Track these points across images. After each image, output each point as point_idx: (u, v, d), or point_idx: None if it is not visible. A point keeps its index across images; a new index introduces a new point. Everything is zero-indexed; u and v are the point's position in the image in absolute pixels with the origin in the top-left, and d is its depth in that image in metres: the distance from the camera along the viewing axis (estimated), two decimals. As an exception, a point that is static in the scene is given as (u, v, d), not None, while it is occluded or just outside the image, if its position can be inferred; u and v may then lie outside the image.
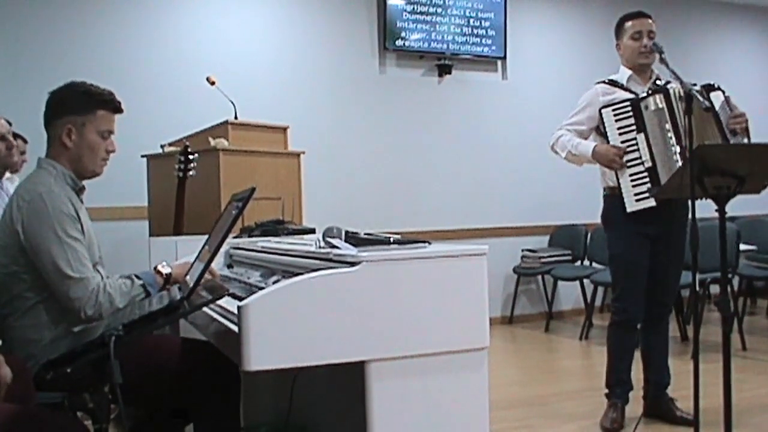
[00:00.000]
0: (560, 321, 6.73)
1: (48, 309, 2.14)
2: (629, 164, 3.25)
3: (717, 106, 3.19)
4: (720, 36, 7.94)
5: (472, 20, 6.54)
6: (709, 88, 3.23)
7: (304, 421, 2.48)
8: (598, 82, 3.47)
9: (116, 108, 2.31)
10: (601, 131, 3.37)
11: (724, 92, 3.25)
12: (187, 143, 3.62)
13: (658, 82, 3.40)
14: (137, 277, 2.24)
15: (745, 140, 3.21)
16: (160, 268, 2.32)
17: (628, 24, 3.41)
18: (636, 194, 3.24)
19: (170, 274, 2.31)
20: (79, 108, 2.25)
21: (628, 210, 3.25)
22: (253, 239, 3.05)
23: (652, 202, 3.22)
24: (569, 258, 6.51)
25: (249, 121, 4.19)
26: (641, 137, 3.24)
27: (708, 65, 7.44)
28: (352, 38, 6.18)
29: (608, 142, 3.30)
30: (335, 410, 2.32)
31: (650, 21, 3.40)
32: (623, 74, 3.43)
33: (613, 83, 3.43)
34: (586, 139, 3.44)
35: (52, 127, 2.27)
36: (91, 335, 1.79)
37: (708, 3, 7.89)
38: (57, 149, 2.27)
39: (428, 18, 6.36)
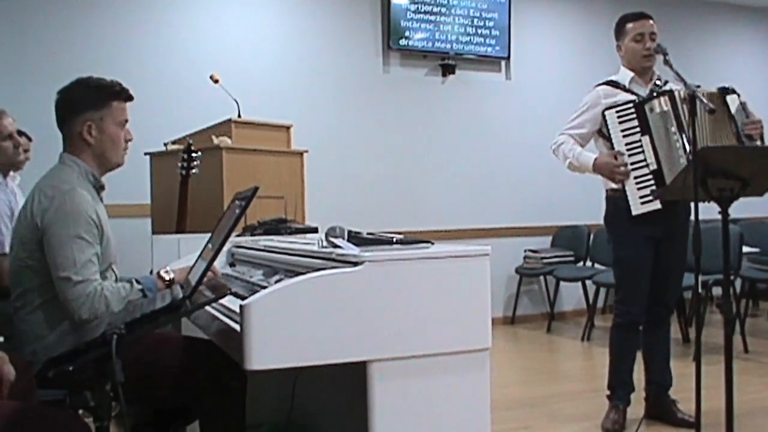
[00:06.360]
0: (562, 322, 6.72)
1: (58, 306, 2.14)
2: (634, 167, 3.23)
3: (732, 110, 3.17)
4: (723, 37, 7.92)
5: (476, 20, 6.54)
6: (724, 92, 3.20)
7: (306, 421, 2.48)
8: (599, 84, 3.45)
9: (128, 96, 2.33)
10: (603, 134, 3.35)
11: (739, 96, 3.21)
12: (191, 141, 3.62)
13: (658, 82, 3.39)
14: (137, 281, 2.25)
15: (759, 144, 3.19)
16: (162, 273, 2.32)
17: (630, 26, 3.38)
18: (641, 197, 3.21)
19: (173, 279, 2.31)
20: (94, 103, 2.25)
21: (634, 213, 3.22)
22: (256, 238, 3.05)
23: (657, 205, 3.19)
24: (571, 259, 6.50)
25: (252, 120, 4.18)
26: (646, 140, 3.22)
27: (711, 66, 7.43)
28: (356, 37, 6.17)
29: (612, 144, 3.28)
30: (336, 410, 2.33)
31: (651, 22, 3.37)
32: (625, 75, 3.41)
33: (614, 85, 3.40)
34: (587, 141, 3.43)
35: (68, 126, 2.27)
36: (94, 334, 1.79)
37: (710, 4, 7.87)
38: (78, 146, 2.27)
39: (432, 18, 6.35)
